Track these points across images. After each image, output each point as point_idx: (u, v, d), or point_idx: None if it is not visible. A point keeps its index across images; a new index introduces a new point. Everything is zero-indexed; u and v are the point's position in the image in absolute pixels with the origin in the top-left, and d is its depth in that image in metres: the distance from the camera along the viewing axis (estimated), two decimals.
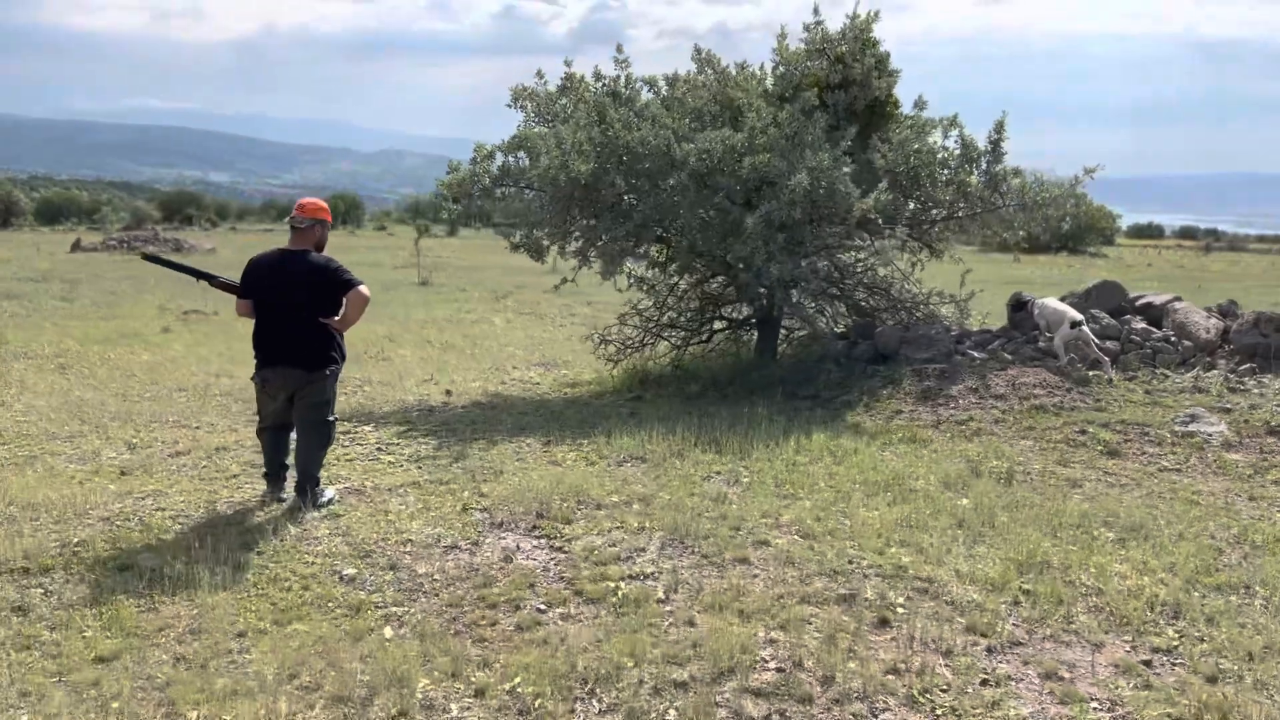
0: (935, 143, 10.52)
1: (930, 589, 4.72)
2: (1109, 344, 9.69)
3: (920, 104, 11.05)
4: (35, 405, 8.74)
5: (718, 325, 11.67)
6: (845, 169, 9.37)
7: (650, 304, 11.37)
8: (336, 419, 6.13)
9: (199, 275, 5.95)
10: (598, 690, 3.71)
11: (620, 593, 4.57)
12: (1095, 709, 3.67)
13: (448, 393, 10.15)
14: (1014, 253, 38.44)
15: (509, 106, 10.64)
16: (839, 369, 9.87)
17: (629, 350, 11.31)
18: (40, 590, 4.54)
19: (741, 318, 11.60)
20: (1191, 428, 7.71)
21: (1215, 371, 9.20)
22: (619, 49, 10.67)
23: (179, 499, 5.96)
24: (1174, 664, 4.03)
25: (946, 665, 3.96)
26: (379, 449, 7.51)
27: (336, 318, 5.68)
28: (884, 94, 10.53)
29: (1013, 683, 3.84)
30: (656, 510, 5.80)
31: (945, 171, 10.50)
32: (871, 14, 10.33)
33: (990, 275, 11.53)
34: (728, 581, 4.74)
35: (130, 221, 48.94)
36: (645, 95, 10.56)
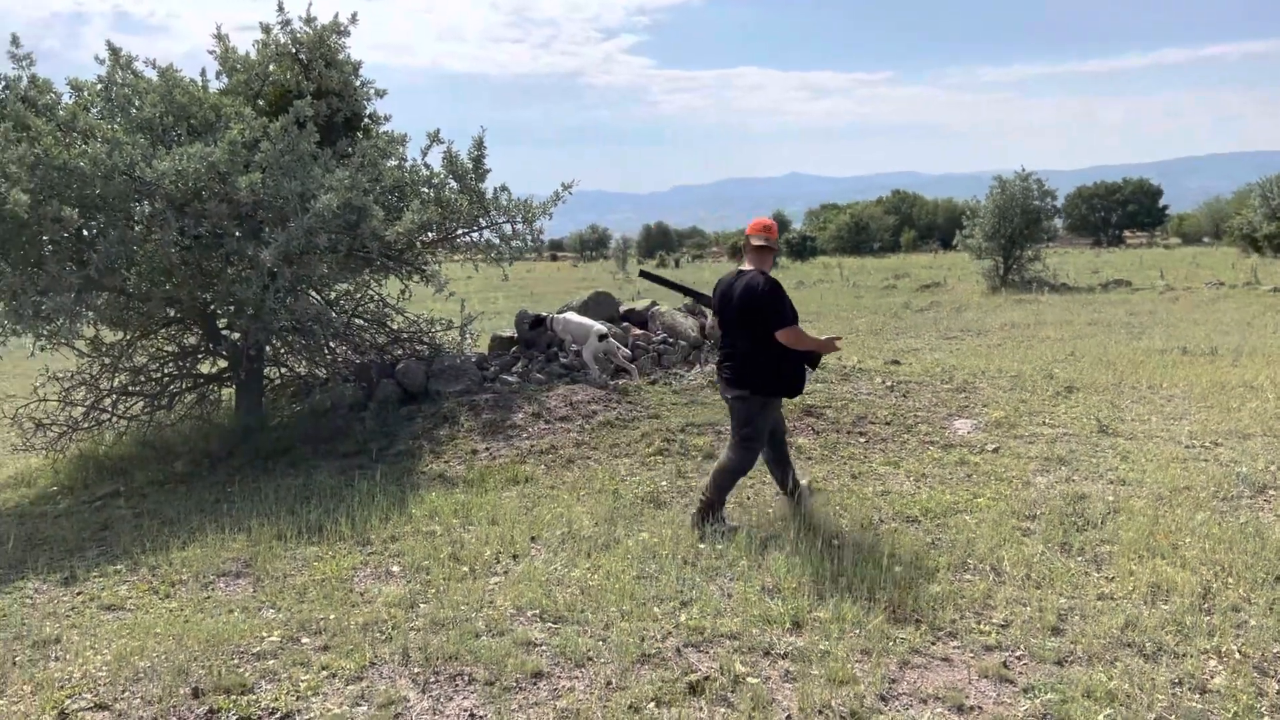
0: (416, 160, 9.84)
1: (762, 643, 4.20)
2: (623, 351, 9.95)
3: (379, 119, 10.28)
4: None
5: (185, 385, 9.53)
6: (365, 188, 8.21)
7: (96, 369, 8.88)
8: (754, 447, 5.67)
9: (692, 294, 6.64)
10: None
11: None
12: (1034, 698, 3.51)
13: None
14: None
15: None
16: (373, 417, 8.65)
17: (73, 432, 8.70)
18: None
19: (213, 373, 9.64)
20: None
21: (713, 365, 9.97)
22: (15, 41, 8.04)
23: None
24: (1016, 657, 4.07)
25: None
26: None
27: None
28: (363, 107, 9.54)
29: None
30: (355, 642, 4.36)
31: (428, 190, 9.86)
32: (341, 20, 9.23)
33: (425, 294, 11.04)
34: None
35: None
36: (66, 101, 8.12)
